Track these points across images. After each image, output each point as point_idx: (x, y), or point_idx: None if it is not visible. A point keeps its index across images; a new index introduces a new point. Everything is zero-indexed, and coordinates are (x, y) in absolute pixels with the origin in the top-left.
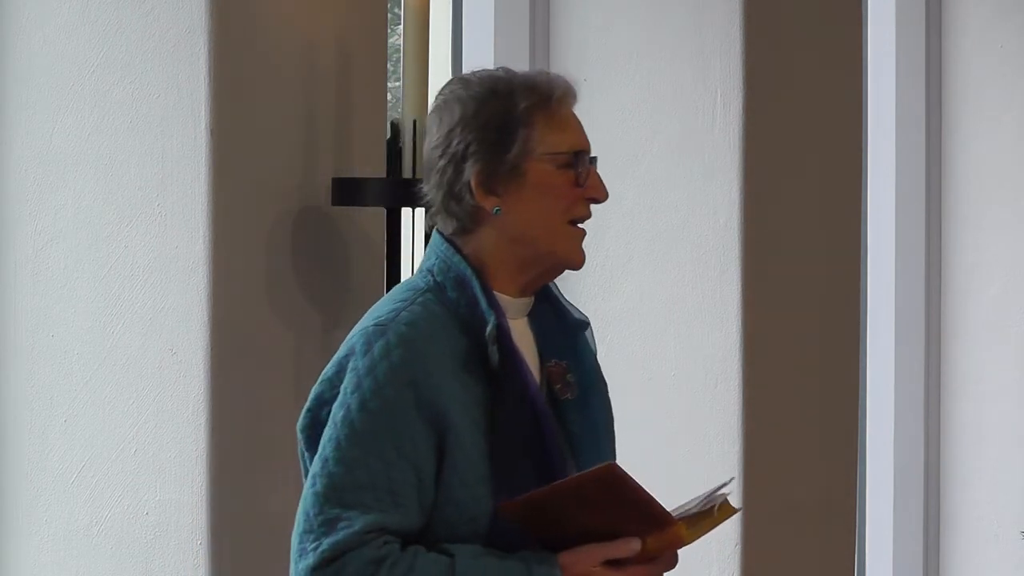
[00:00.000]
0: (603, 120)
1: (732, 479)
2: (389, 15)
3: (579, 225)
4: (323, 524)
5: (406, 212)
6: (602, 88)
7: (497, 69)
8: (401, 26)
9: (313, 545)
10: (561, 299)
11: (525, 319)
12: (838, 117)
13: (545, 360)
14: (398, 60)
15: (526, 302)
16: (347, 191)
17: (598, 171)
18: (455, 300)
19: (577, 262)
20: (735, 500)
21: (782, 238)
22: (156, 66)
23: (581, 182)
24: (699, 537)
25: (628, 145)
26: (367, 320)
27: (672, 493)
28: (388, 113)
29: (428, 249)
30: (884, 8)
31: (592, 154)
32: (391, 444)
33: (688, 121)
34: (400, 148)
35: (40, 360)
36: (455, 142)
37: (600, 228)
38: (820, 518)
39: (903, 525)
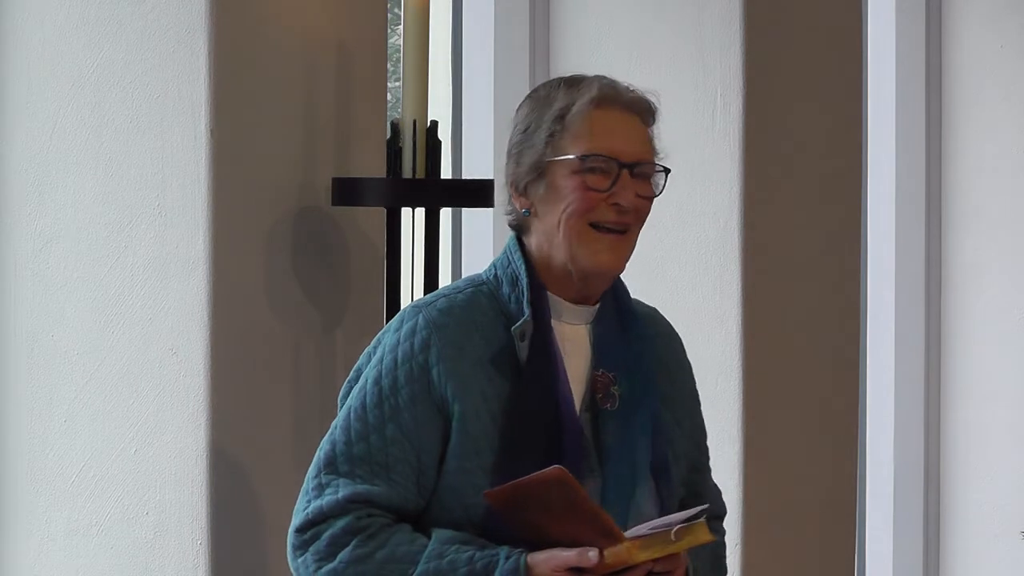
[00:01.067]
0: None
1: (706, 507)
2: (389, 15)
3: (608, 230)
4: (316, 488)
5: (406, 212)
6: None
7: (578, 74)
8: (401, 26)
9: (303, 506)
10: (633, 308)
11: (587, 326)
12: (838, 117)
13: (596, 369)
14: (398, 60)
15: (588, 309)
16: (347, 191)
17: (634, 177)
18: (507, 296)
19: (595, 265)
20: (731, 500)
21: (782, 238)
22: (156, 66)
23: (590, 185)
24: (655, 558)
25: None
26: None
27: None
28: (388, 113)
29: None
30: (884, 8)
31: (634, 160)
32: (394, 422)
33: (688, 121)
34: (400, 148)
35: (40, 360)
36: (512, 142)
37: None
38: (820, 518)
39: (903, 525)
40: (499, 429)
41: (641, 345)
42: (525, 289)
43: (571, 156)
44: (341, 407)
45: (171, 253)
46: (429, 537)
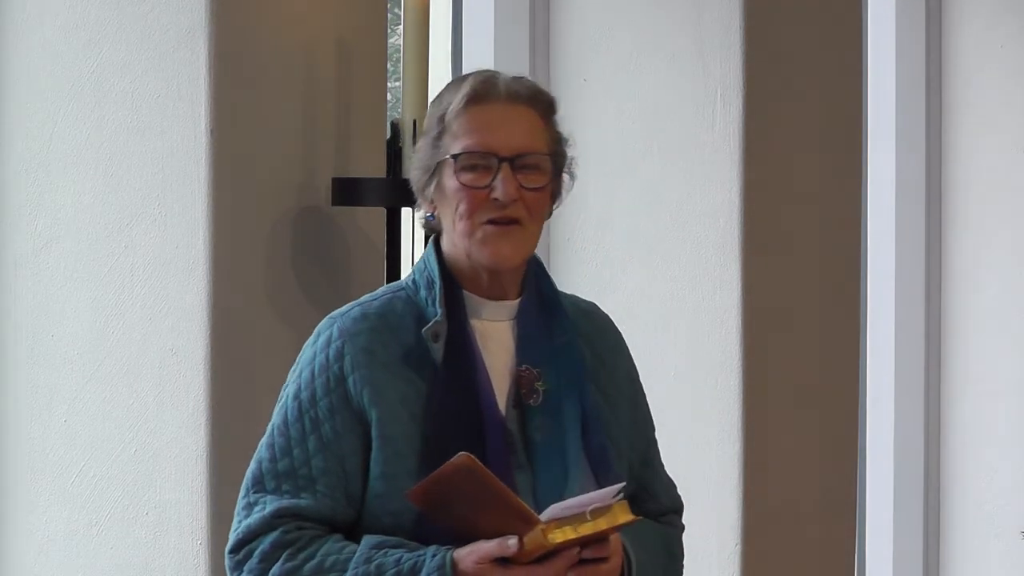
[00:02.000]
0: (603, 120)
1: (623, 484)
2: (389, 15)
3: (499, 223)
4: (245, 508)
5: (406, 212)
6: (602, 88)
7: (469, 72)
8: (401, 26)
9: (235, 527)
10: (560, 302)
11: (510, 322)
12: (838, 117)
13: (519, 364)
14: (398, 60)
15: (509, 305)
16: (347, 191)
17: (519, 169)
18: (424, 299)
19: (487, 260)
20: (731, 500)
21: (782, 238)
22: (156, 66)
23: (468, 183)
24: (575, 542)
25: (628, 145)
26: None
27: None
28: (388, 113)
29: None
30: (884, 8)
31: (515, 152)
32: (315, 434)
33: (688, 121)
34: (400, 148)
35: (40, 360)
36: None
37: (600, 227)
38: (820, 518)
39: (903, 525)
40: (421, 431)
41: (566, 338)
42: (439, 291)
43: (448, 156)
44: None
45: (171, 253)
46: (356, 543)
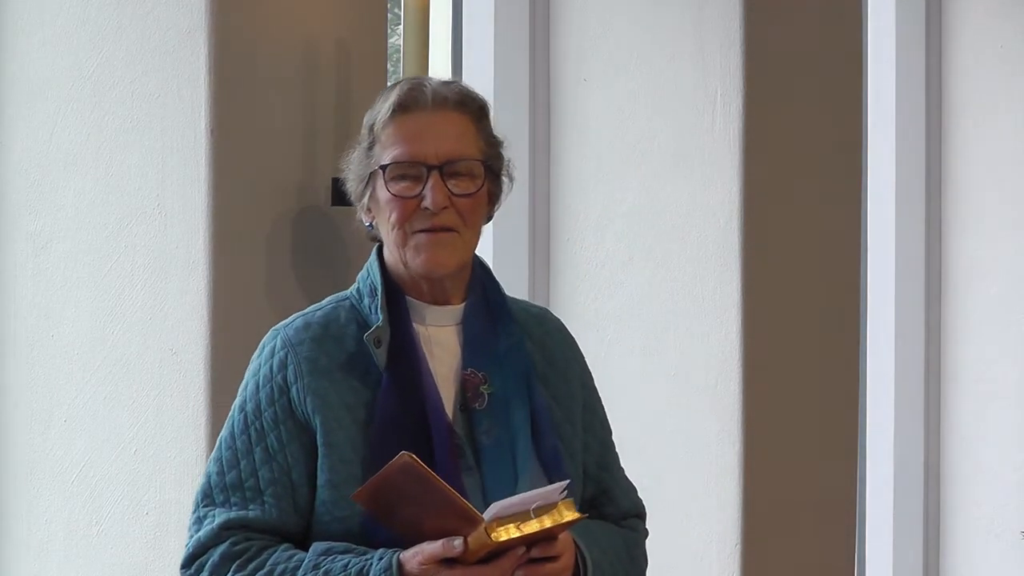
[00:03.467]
0: (603, 120)
1: (567, 481)
2: (389, 15)
3: (429, 232)
4: (195, 522)
5: None
6: (602, 88)
7: (398, 80)
8: (401, 26)
9: (187, 541)
10: (506, 307)
11: (456, 327)
12: (838, 117)
13: (464, 368)
14: (398, 60)
15: (454, 310)
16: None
17: (449, 176)
18: (367, 307)
19: (422, 268)
20: (731, 500)
21: (782, 238)
22: (156, 66)
23: (399, 193)
24: (519, 540)
25: (628, 145)
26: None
27: (672, 492)
28: None
29: None
30: (884, 8)
31: (443, 160)
32: (261, 445)
33: (688, 121)
34: None
35: (40, 360)
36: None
37: (600, 227)
38: (820, 518)
39: (903, 525)
40: (366, 437)
41: (512, 342)
42: (380, 297)
43: (378, 167)
44: None
45: (171, 253)
46: (304, 550)
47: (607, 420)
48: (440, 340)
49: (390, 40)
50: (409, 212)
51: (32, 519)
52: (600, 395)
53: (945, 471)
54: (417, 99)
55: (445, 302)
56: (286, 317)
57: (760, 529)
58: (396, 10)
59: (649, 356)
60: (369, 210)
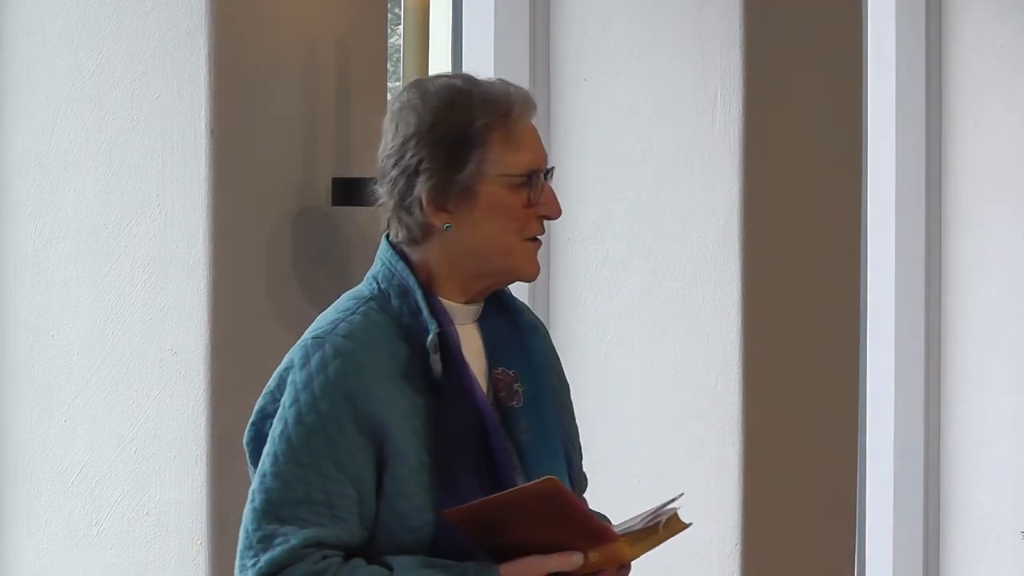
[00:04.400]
0: (603, 120)
1: (682, 495)
2: (389, 15)
3: (535, 238)
4: (261, 540)
5: None
6: (602, 88)
7: (455, 77)
8: (401, 26)
9: (252, 562)
10: (515, 303)
11: (474, 324)
12: (838, 117)
13: (493, 367)
14: (398, 60)
15: (475, 308)
16: (347, 191)
17: (552, 184)
18: (398, 308)
19: (529, 274)
20: (731, 500)
21: (782, 238)
22: (156, 66)
23: (534, 202)
24: (643, 553)
25: (628, 145)
26: (309, 331)
27: (672, 492)
28: None
29: (376, 255)
30: (884, 8)
31: (548, 166)
32: (327, 458)
33: (688, 121)
34: None
35: (40, 360)
36: (408, 155)
37: (600, 228)
38: (820, 518)
39: (903, 525)
40: (426, 445)
41: (530, 339)
42: (422, 300)
43: (512, 173)
44: (251, 450)
45: (171, 253)
46: (387, 567)
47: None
48: (465, 339)
49: (390, 40)
50: (530, 219)
51: (32, 519)
52: (587, 390)
53: (945, 471)
54: (525, 105)
55: (474, 301)
56: (286, 317)
57: (760, 529)
58: (396, 10)
59: (649, 356)
60: (446, 212)
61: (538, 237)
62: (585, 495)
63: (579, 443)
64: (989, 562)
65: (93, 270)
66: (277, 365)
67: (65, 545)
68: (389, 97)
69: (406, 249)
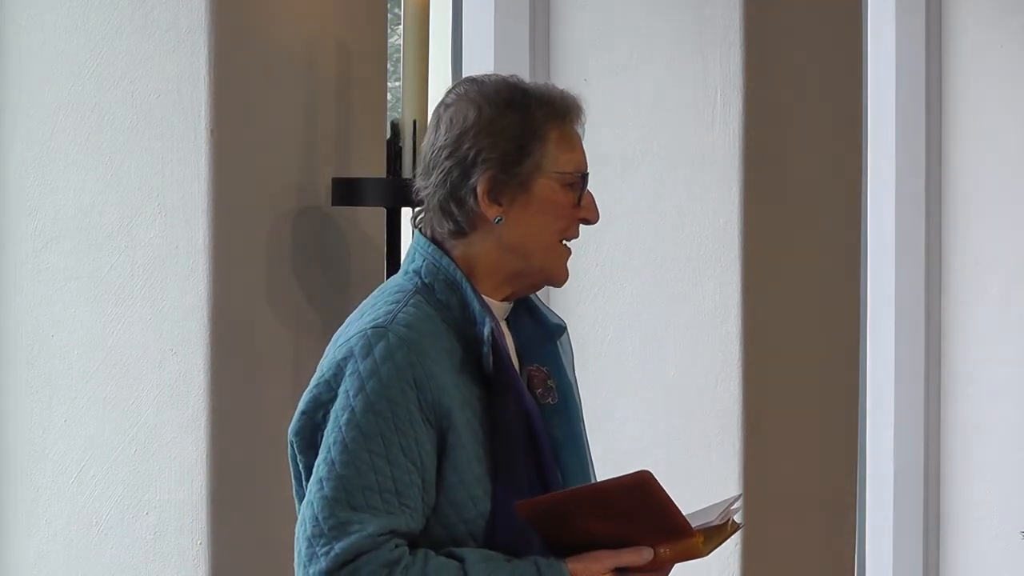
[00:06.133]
0: (603, 120)
1: (741, 495)
2: (389, 15)
3: (568, 244)
4: (334, 528)
5: (406, 212)
6: (602, 88)
7: (510, 77)
8: (401, 26)
9: (324, 549)
10: (540, 305)
11: (504, 323)
12: (838, 117)
13: (525, 365)
14: (398, 60)
15: (506, 307)
16: (347, 191)
17: (591, 191)
18: (445, 302)
19: (562, 279)
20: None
21: (782, 238)
22: (156, 66)
23: (581, 203)
24: (715, 549)
25: (628, 145)
26: (363, 322)
27: (672, 492)
28: (388, 113)
29: (411, 250)
30: (884, 8)
31: (588, 171)
32: (397, 446)
33: (688, 121)
34: (400, 148)
35: (40, 360)
36: (466, 146)
37: (600, 228)
38: (820, 518)
39: (903, 525)
40: (480, 438)
41: (559, 335)
42: (471, 294)
43: (567, 171)
44: (300, 440)
45: (171, 253)
46: (456, 558)
47: None
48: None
49: (390, 40)
50: (571, 220)
51: (32, 519)
52: (587, 390)
53: (945, 471)
54: (579, 109)
55: (508, 298)
56: (286, 317)
57: (760, 529)
58: (396, 10)
59: (649, 356)
60: (499, 205)
61: (569, 244)
62: None
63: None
64: (989, 562)
65: (93, 270)
66: (277, 365)
67: (65, 545)
68: (389, 97)
69: (446, 243)
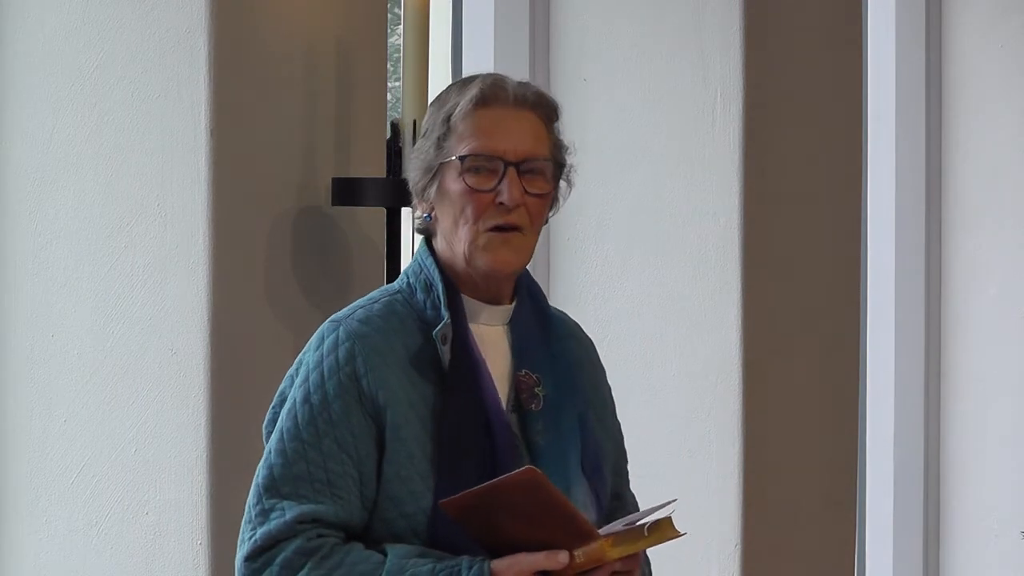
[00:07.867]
0: (603, 120)
1: (674, 501)
2: (389, 15)
3: (503, 230)
4: (260, 514)
5: (406, 212)
6: (602, 88)
7: (479, 74)
8: (401, 26)
9: (249, 535)
10: (551, 310)
11: (504, 327)
12: (838, 117)
13: (518, 369)
14: (398, 60)
15: (504, 309)
16: (347, 191)
17: (523, 174)
18: (422, 302)
19: (492, 267)
20: (731, 500)
21: (782, 238)
22: (156, 66)
23: (474, 185)
24: (626, 555)
25: (628, 144)
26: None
27: (672, 492)
28: (388, 113)
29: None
30: (884, 8)
31: (521, 157)
32: (331, 437)
33: (688, 121)
34: (400, 148)
35: (40, 360)
36: (420, 147)
37: (600, 228)
38: (820, 518)
39: (903, 524)
40: (430, 434)
41: (560, 346)
42: (441, 293)
43: (453, 157)
44: (267, 433)
45: (171, 253)
46: (382, 553)
47: (620, 426)
48: (490, 339)
49: (390, 40)
50: (483, 207)
51: (32, 519)
52: None
53: (945, 471)
54: (498, 95)
55: (497, 302)
56: (286, 317)
57: (760, 529)
58: (396, 10)
59: (649, 357)
60: (429, 202)
61: (504, 227)
62: None
63: (624, 465)
64: (989, 562)
65: (93, 270)
66: (277, 365)
67: (65, 545)
68: (389, 97)
69: (434, 245)
